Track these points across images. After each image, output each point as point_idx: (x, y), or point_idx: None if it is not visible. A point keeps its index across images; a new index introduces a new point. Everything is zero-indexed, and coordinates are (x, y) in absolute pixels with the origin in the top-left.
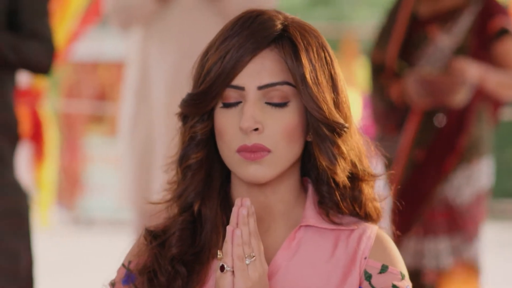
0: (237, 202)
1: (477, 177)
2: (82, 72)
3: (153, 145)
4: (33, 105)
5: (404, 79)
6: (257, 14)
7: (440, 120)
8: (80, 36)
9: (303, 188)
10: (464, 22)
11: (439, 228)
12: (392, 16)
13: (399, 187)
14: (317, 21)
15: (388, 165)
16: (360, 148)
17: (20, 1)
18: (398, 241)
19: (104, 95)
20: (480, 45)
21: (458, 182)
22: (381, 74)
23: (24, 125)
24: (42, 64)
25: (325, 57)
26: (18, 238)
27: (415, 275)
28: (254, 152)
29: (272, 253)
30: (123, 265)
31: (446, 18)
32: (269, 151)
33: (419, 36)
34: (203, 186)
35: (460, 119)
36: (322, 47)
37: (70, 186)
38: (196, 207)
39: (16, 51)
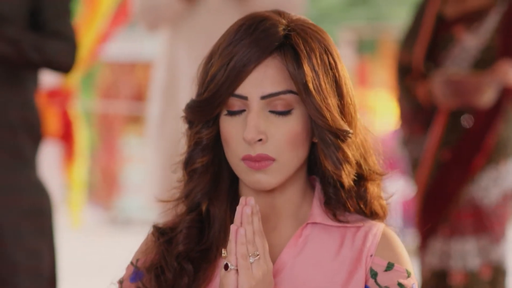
0: (241, 201)
1: (504, 177)
2: (119, 73)
3: (180, 145)
4: (64, 105)
5: (430, 80)
6: (260, 19)
7: (467, 120)
8: (110, 37)
9: (310, 187)
10: (490, 22)
11: (466, 229)
12: (418, 17)
13: (426, 187)
14: (355, 21)
15: (415, 166)
16: (366, 146)
17: (42, 0)
18: (424, 242)
19: (141, 96)
20: (506, 45)
21: (485, 183)
22: (407, 75)
23: (54, 125)
24: (64, 64)
25: (329, 61)
26: (41, 238)
27: (442, 276)
28: (258, 161)
29: (279, 251)
30: (131, 263)
31: (472, 18)
32: (273, 159)
33: (445, 36)
34: (210, 186)
35: (487, 119)
36: (326, 51)
37: (107, 186)
38: (204, 207)
39: (39, 51)
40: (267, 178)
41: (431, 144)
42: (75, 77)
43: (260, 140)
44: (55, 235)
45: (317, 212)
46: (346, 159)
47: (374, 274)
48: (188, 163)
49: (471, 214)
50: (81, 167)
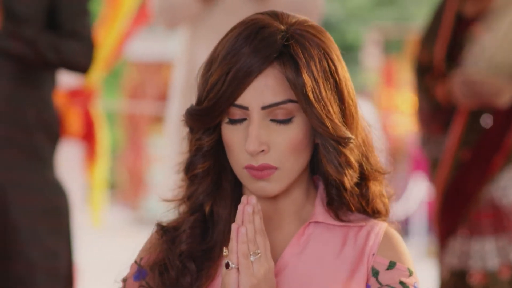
0: (242, 200)
1: None
2: (146, 73)
3: None
4: (85, 105)
5: (450, 80)
6: (259, 27)
7: (487, 120)
8: (132, 36)
9: (314, 186)
10: (509, 21)
11: (485, 229)
12: (437, 16)
13: (445, 187)
14: (382, 21)
15: (434, 166)
16: (367, 143)
17: (60, 1)
18: (444, 242)
19: (167, 96)
20: None
21: (504, 183)
22: (426, 74)
23: (76, 124)
24: (81, 64)
25: (328, 66)
26: (58, 238)
27: (461, 276)
28: (261, 170)
29: (281, 249)
30: (135, 261)
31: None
32: (276, 168)
33: (465, 36)
34: (213, 188)
35: (507, 119)
36: (325, 55)
37: (133, 186)
38: (207, 208)
39: (55, 51)
40: (271, 186)
41: (450, 144)
42: (97, 77)
43: (262, 150)
44: (72, 235)
45: (320, 212)
46: (348, 164)
47: (375, 273)
48: (189, 169)
49: (491, 214)
50: (103, 166)
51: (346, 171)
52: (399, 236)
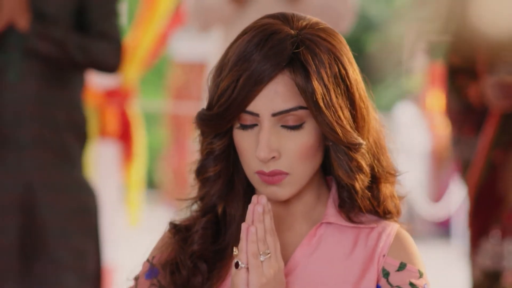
0: (253, 199)
1: None
2: (190, 73)
3: None
4: (122, 105)
5: (483, 81)
6: (269, 32)
7: None
8: (169, 37)
9: (326, 187)
10: None
11: None
12: None
13: (477, 188)
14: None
15: (466, 167)
16: (379, 145)
17: (88, 1)
18: (476, 242)
19: None
20: None
21: None
22: (458, 75)
23: (113, 124)
24: (109, 64)
25: (339, 71)
26: (86, 237)
27: (494, 277)
28: (272, 176)
29: (292, 250)
30: (147, 259)
31: None
32: (287, 174)
33: None
34: (225, 190)
35: None
36: (336, 60)
37: (178, 187)
38: (219, 209)
39: (84, 51)
40: (282, 190)
41: (482, 145)
42: (134, 77)
43: (273, 157)
44: (101, 235)
45: (332, 213)
46: (359, 169)
47: (386, 274)
48: (200, 172)
49: None
50: (139, 166)
51: (357, 176)
52: (410, 237)
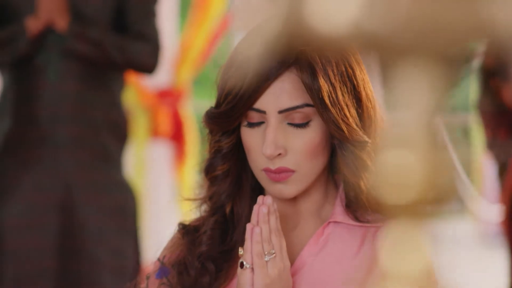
0: (258, 200)
1: None
2: None
3: None
4: (175, 106)
5: None
6: None
7: None
8: (220, 38)
9: (334, 186)
10: None
11: None
12: None
13: None
14: None
15: (502, 170)
16: None
17: (127, 2)
18: None
19: None
20: None
21: None
22: (492, 77)
23: (165, 125)
24: (147, 65)
25: (346, 70)
26: (124, 237)
27: None
28: (278, 173)
29: (300, 249)
30: (158, 259)
31: None
32: (293, 171)
33: None
34: (233, 188)
35: None
36: (343, 59)
37: None
38: (227, 209)
39: (122, 52)
40: (288, 188)
41: None
42: (186, 78)
43: (279, 154)
44: (139, 234)
45: (339, 211)
46: (365, 167)
47: None
48: (208, 171)
49: None
50: (192, 167)
51: (363, 175)
52: None
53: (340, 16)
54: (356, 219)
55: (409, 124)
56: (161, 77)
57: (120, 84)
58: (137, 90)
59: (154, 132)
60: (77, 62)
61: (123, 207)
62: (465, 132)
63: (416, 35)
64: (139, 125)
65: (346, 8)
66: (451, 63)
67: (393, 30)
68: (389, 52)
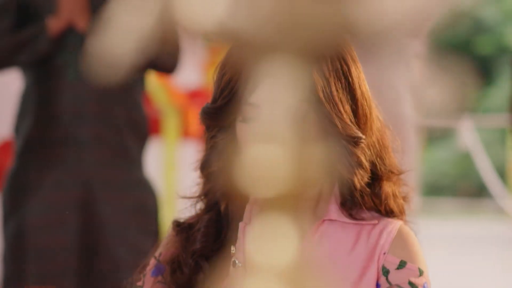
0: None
1: None
2: None
3: None
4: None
5: None
6: None
7: None
8: None
9: (330, 183)
10: None
11: None
12: None
13: None
14: None
15: None
16: (382, 144)
17: None
18: None
19: None
20: None
21: None
22: None
23: (195, 125)
24: (167, 65)
25: (341, 67)
26: (145, 236)
27: None
28: None
29: None
30: (154, 256)
31: None
32: None
33: None
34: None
35: None
36: (338, 56)
37: None
38: (222, 206)
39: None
40: None
41: None
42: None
43: None
44: (161, 234)
45: (334, 209)
46: (359, 164)
47: (385, 272)
48: (204, 167)
49: None
50: None
51: (356, 171)
52: (412, 234)
53: (206, 14)
54: (351, 216)
55: (275, 119)
56: (192, 78)
57: (141, 84)
58: (167, 91)
59: (185, 133)
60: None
61: (144, 206)
62: (501, 134)
63: (279, 32)
64: (169, 126)
65: (212, 7)
66: (315, 59)
67: (257, 28)
68: (255, 49)
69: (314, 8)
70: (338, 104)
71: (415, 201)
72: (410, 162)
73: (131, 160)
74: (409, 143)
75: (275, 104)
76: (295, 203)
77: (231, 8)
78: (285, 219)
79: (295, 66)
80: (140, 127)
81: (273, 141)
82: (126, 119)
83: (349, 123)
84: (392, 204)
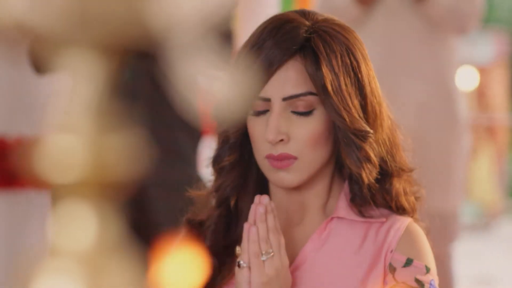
0: (255, 199)
1: None
2: None
3: None
4: None
5: None
6: (283, 21)
7: None
8: None
9: (340, 182)
10: None
11: None
12: None
13: None
14: None
15: None
16: (393, 141)
17: None
18: None
19: None
20: None
21: None
22: None
23: None
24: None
25: (351, 62)
26: None
27: None
28: (280, 160)
29: (303, 244)
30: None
31: None
32: (295, 158)
33: None
34: (239, 182)
35: None
36: (348, 52)
37: None
38: (232, 202)
39: None
40: (290, 176)
41: None
42: None
43: (282, 140)
44: None
45: (342, 206)
46: (367, 158)
47: (392, 270)
48: (216, 161)
49: None
50: None
51: (365, 165)
52: (421, 232)
53: (2, 8)
54: (360, 214)
55: (74, 110)
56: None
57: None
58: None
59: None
60: (152, 63)
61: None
62: None
63: (72, 26)
64: None
65: (7, 2)
66: (109, 53)
67: (50, 21)
68: (49, 43)
69: (105, 2)
70: (347, 97)
71: (502, 202)
72: (463, 162)
73: (184, 158)
74: (461, 143)
75: (73, 96)
76: (96, 190)
77: (26, 3)
78: (86, 206)
79: (90, 60)
80: (193, 126)
81: (69, 131)
82: (179, 118)
83: (357, 117)
84: (403, 201)
